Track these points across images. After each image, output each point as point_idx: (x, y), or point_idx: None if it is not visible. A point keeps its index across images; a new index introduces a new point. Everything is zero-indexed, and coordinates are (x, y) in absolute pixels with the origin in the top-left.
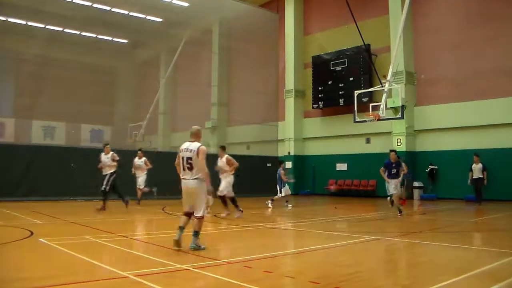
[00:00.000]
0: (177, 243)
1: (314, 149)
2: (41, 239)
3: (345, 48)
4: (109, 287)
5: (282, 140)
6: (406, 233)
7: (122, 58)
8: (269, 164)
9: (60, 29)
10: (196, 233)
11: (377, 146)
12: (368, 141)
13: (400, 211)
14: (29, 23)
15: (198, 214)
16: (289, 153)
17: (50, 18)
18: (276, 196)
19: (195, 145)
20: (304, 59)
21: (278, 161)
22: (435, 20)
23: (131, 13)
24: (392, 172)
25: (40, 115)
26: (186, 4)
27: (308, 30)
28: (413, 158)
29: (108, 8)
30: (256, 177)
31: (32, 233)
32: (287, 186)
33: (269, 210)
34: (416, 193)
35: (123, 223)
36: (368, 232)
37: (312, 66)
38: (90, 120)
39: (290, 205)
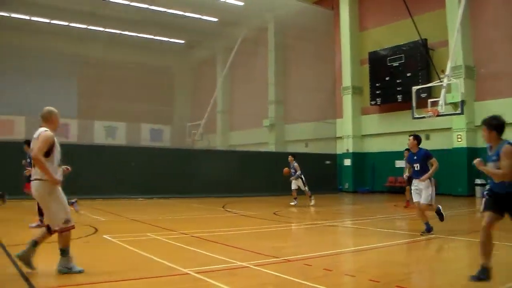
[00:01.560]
0: (22, 258)
1: (373, 146)
2: (105, 236)
3: (402, 43)
4: (170, 283)
5: (340, 138)
6: (469, 232)
7: (179, 58)
8: (327, 162)
9: (119, 31)
10: (63, 252)
11: (437, 143)
12: (427, 137)
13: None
14: (90, 27)
15: (54, 226)
16: (347, 150)
17: (108, 21)
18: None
19: (39, 131)
20: (361, 56)
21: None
22: (493, 11)
23: (186, 14)
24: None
25: (102, 115)
26: (241, 3)
27: (363, 26)
28: (474, 155)
29: (164, 9)
30: (315, 175)
31: (96, 230)
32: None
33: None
34: (478, 190)
35: (183, 220)
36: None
37: (369, 62)
38: (149, 120)
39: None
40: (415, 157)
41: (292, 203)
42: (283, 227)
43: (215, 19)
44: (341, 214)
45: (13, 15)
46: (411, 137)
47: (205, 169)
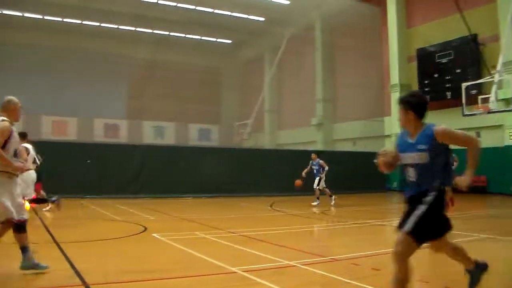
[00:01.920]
0: (27, 267)
1: None
2: (154, 234)
3: (451, 39)
4: (218, 282)
5: (389, 136)
6: None
7: (226, 58)
8: (375, 160)
9: (166, 32)
10: (23, 249)
11: (488, 140)
12: (478, 135)
13: None
14: (138, 29)
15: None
16: None
17: (157, 23)
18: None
19: None
20: (408, 53)
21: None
22: None
23: (233, 14)
24: None
25: (151, 116)
26: (287, 2)
27: (411, 23)
28: None
29: (211, 9)
30: (362, 174)
31: (145, 228)
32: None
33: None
34: None
35: (232, 219)
36: (481, 230)
37: (417, 59)
38: (197, 120)
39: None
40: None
41: (314, 203)
42: (331, 226)
43: (262, 19)
44: (389, 213)
45: (66, 20)
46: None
47: (253, 168)
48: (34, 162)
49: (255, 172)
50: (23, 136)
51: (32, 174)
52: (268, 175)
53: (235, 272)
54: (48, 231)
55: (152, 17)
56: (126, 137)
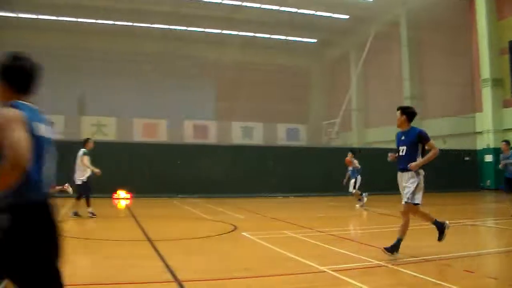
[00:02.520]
0: None
1: None
2: (244, 233)
3: None
4: (307, 280)
5: (480, 133)
6: None
7: (312, 58)
8: (467, 158)
9: (252, 34)
10: None
11: None
12: None
13: None
14: (224, 32)
15: None
16: (488, 145)
17: (242, 24)
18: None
19: None
20: (500, 45)
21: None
22: None
23: (317, 13)
24: None
25: (239, 116)
26: None
27: (502, 15)
28: None
29: (295, 9)
30: (453, 172)
31: (235, 227)
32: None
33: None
34: None
35: (321, 218)
36: None
37: (509, 52)
38: (285, 119)
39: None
40: (402, 138)
41: (358, 205)
42: (420, 226)
43: (346, 16)
44: (483, 213)
45: (154, 25)
46: (399, 111)
47: (342, 167)
48: None
49: (343, 171)
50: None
51: None
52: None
53: (324, 272)
54: (142, 229)
55: (238, 19)
56: (215, 138)
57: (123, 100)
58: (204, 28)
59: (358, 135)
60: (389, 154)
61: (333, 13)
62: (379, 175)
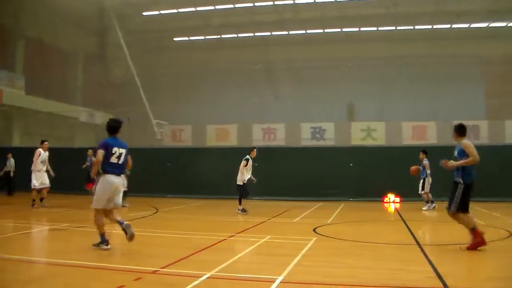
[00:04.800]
0: None
1: None
2: None
3: None
4: None
5: None
6: None
7: None
8: None
9: None
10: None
11: None
12: None
13: None
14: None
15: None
16: None
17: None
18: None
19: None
20: None
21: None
22: None
23: None
24: None
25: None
26: None
27: None
28: None
29: None
30: None
31: (510, 234)
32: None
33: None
34: None
35: None
36: None
37: None
38: None
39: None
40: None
41: (425, 208)
42: None
43: None
44: None
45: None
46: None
47: None
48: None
49: None
50: None
51: None
52: None
53: None
54: (412, 233)
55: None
56: (487, 138)
57: (392, 105)
58: (470, 23)
59: None
60: None
61: None
62: None
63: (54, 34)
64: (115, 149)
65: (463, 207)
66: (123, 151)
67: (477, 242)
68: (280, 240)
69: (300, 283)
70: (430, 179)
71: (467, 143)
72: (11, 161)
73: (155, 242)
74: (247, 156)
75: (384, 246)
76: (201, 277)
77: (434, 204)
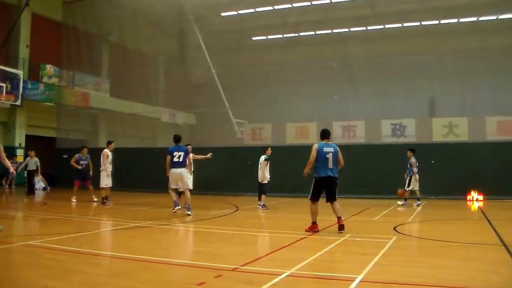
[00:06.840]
0: None
1: None
2: None
3: None
4: None
5: None
6: None
7: None
8: None
9: None
10: None
11: None
12: None
13: None
14: None
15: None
16: None
17: None
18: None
19: None
20: None
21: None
22: None
23: None
24: None
25: None
26: None
27: None
28: None
29: None
30: None
31: None
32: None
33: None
34: None
35: None
36: None
37: None
38: None
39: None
40: None
41: (400, 203)
42: None
43: None
44: None
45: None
46: None
47: None
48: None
49: None
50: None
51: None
52: None
53: None
54: (497, 233)
55: None
56: None
57: (475, 99)
58: None
59: None
60: None
61: None
62: None
63: (136, 38)
64: (175, 153)
65: None
66: (181, 153)
67: None
68: (360, 239)
69: (380, 282)
70: (417, 177)
71: None
72: (34, 160)
73: (235, 240)
74: (265, 156)
75: (468, 245)
76: (280, 275)
77: (420, 202)
